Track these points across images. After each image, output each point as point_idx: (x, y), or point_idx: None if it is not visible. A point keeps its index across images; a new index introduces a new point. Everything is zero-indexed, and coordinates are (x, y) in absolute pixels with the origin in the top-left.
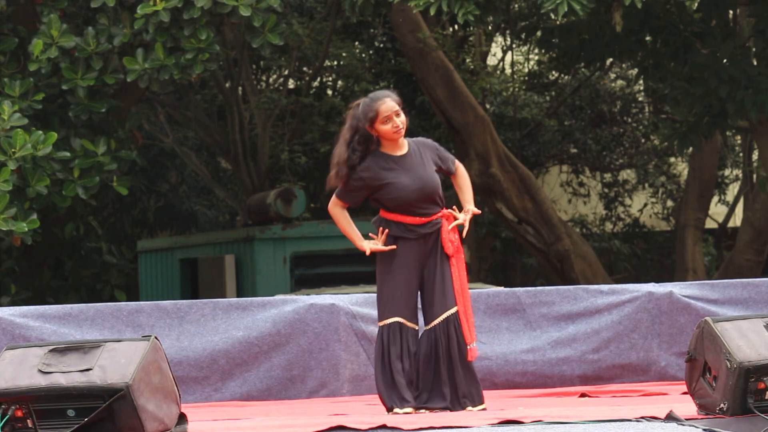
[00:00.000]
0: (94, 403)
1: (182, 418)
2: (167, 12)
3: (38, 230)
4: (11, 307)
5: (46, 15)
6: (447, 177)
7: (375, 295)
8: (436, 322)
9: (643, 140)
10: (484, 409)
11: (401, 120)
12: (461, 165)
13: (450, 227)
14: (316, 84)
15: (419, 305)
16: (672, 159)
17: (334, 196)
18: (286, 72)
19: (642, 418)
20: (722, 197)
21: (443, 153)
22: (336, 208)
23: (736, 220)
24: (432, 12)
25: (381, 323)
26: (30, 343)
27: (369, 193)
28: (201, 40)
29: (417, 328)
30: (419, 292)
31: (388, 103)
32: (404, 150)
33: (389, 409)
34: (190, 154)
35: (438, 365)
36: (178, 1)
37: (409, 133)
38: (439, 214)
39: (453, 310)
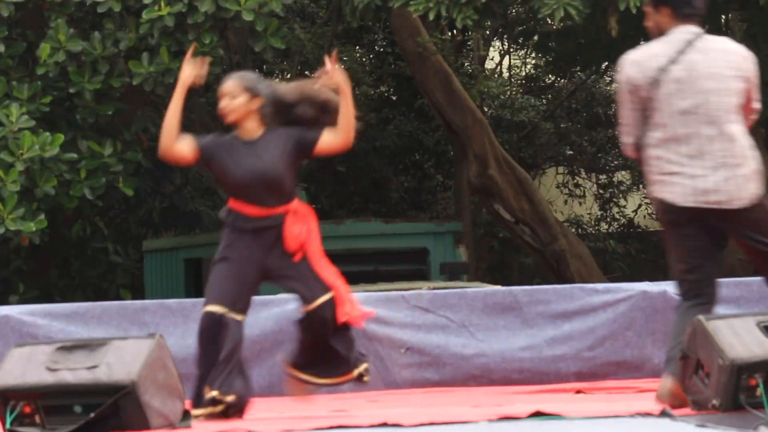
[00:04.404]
0: (101, 399)
1: (186, 415)
2: (172, 17)
3: (46, 230)
4: (19, 306)
5: (54, 20)
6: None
7: (377, 294)
8: (310, 307)
9: None
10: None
11: (233, 104)
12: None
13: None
14: None
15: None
16: None
17: None
18: (289, 76)
19: (636, 414)
20: None
21: (305, 134)
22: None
23: None
24: (431, 17)
25: (203, 309)
26: (38, 341)
27: (209, 161)
28: (205, 44)
29: (240, 320)
30: (282, 286)
31: (226, 82)
32: (255, 136)
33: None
34: None
35: (317, 344)
36: (182, 6)
37: (409, 135)
38: (282, 210)
39: (327, 296)
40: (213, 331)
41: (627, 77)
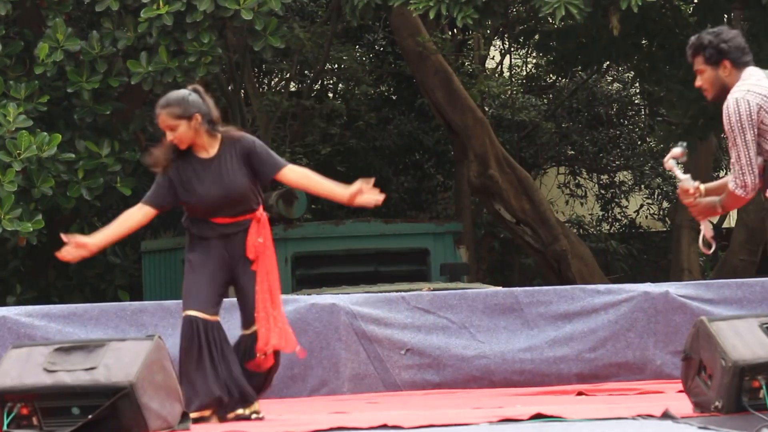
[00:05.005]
0: (99, 401)
1: (185, 417)
2: (170, 16)
3: (43, 231)
4: (17, 307)
5: (52, 19)
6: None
7: (376, 295)
8: (247, 332)
9: (639, 142)
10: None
11: (178, 135)
12: (296, 168)
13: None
14: (317, 87)
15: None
16: None
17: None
18: (288, 75)
19: (638, 416)
20: None
21: (262, 156)
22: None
23: (731, 220)
24: (431, 16)
25: (183, 314)
26: (35, 342)
27: (175, 196)
28: (204, 43)
29: (218, 320)
30: (236, 293)
31: (161, 116)
32: (212, 152)
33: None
34: None
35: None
36: (181, 5)
37: (409, 135)
38: (249, 216)
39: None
40: (195, 335)
41: (756, 107)
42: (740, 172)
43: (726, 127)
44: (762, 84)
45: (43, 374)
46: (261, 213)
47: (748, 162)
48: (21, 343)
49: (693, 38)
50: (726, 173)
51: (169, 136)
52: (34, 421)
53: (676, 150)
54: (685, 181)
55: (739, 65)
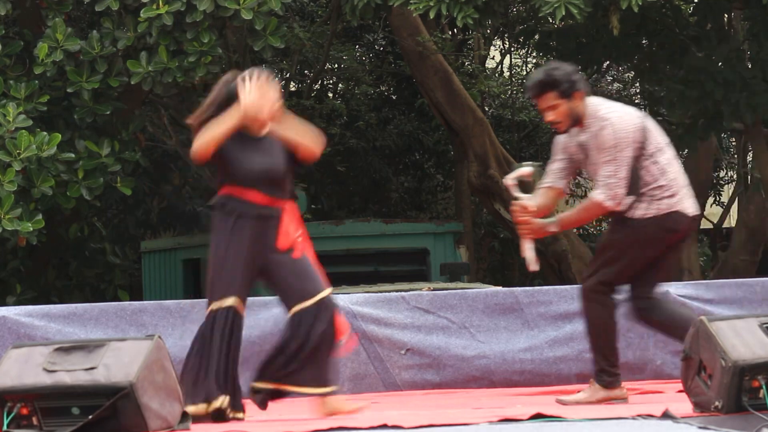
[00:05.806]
0: (98, 401)
1: (185, 416)
2: (170, 15)
3: (43, 230)
4: (17, 307)
5: (51, 18)
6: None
7: (376, 295)
8: (305, 305)
9: None
10: (330, 392)
11: (278, 105)
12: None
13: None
14: (317, 87)
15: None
16: None
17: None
18: (288, 75)
19: (638, 416)
20: (717, 198)
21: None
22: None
23: (731, 220)
24: (431, 15)
25: (213, 305)
26: (35, 342)
27: (216, 158)
28: (203, 43)
29: (243, 315)
30: (272, 283)
31: (274, 86)
32: (262, 133)
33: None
34: None
35: (303, 349)
36: (181, 4)
37: (409, 135)
38: (283, 203)
39: (326, 293)
40: (227, 327)
41: (634, 127)
42: (615, 185)
43: (608, 143)
44: (627, 107)
45: (43, 374)
46: (292, 206)
47: (624, 177)
48: (21, 343)
49: (537, 77)
50: (727, 173)
51: (276, 104)
52: (34, 421)
53: (526, 169)
54: (526, 199)
55: (586, 95)
